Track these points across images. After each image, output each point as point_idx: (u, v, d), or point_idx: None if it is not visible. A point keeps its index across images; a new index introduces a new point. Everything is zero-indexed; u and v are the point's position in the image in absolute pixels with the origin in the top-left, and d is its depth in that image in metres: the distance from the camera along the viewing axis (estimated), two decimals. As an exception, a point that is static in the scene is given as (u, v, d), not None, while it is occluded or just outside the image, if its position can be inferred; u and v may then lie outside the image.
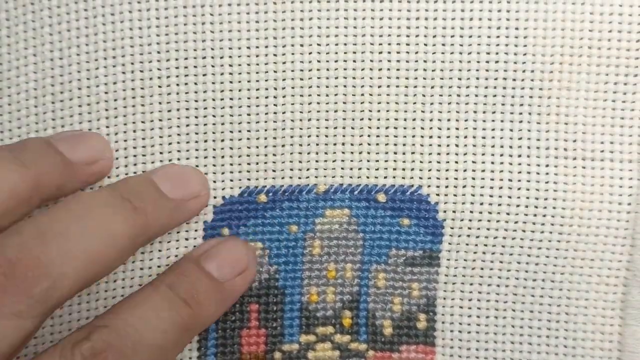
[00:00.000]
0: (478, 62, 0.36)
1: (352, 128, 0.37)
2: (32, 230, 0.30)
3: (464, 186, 0.37)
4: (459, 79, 0.36)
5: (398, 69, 0.36)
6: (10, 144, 0.33)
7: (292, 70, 0.36)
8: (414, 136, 0.37)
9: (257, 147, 0.37)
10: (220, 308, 0.36)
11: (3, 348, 0.28)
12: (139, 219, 0.32)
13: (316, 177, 0.37)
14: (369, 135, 0.37)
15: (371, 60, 0.36)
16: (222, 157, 0.37)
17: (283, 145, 0.37)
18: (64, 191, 0.33)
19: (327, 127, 0.37)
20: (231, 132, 0.37)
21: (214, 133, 0.37)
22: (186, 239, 0.38)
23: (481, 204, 0.37)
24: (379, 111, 0.37)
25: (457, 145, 0.37)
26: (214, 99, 0.36)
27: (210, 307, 0.34)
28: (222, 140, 0.37)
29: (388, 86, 0.37)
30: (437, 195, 0.37)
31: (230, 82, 0.36)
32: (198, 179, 0.36)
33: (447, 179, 0.37)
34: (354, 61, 0.36)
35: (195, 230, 0.38)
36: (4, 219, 0.30)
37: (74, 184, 0.34)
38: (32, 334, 0.29)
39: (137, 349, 0.31)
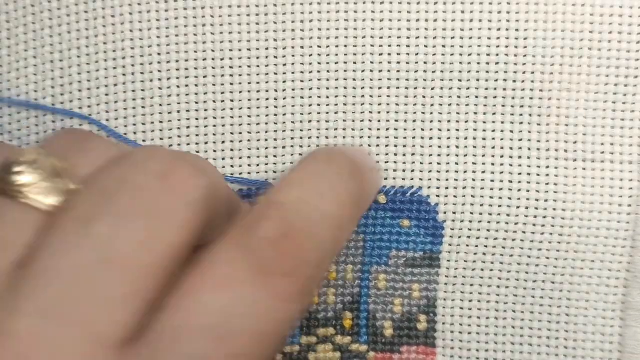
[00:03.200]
0: (478, 63, 0.36)
1: (352, 129, 0.37)
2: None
3: (465, 187, 0.37)
4: (459, 80, 0.36)
5: (398, 70, 0.36)
6: None
7: (292, 72, 0.36)
8: (414, 137, 0.37)
9: (258, 149, 0.37)
10: (373, 193, 0.34)
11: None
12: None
13: (316, 178, 0.37)
14: (369, 137, 0.37)
15: (371, 62, 0.36)
16: (223, 159, 0.37)
17: (284, 147, 0.37)
18: None
19: (327, 129, 0.37)
20: (232, 134, 0.37)
21: (214, 135, 0.37)
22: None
23: (481, 205, 0.37)
24: (379, 112, 0.37)
25: (457, 147, 0.37)
26: (214, 101, 0.36)
27: (370, 185, 0.33)
28: (223, 142, 0.37)
29: (388, 87, 0.37)
30: (438, 196, 0.37)
31: (231, 84, 0.36)
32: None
33: (447, 180, 0.37)
34: (354, 63, 0.36)
35: (195, 234, 0.38)
36: None
37: None
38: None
39: (319, 226, 0.27)
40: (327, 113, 0.37)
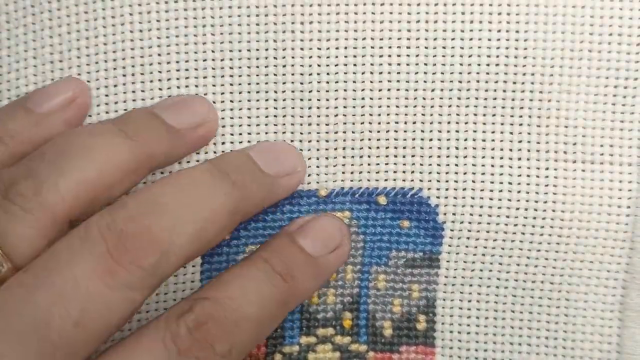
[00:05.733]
0: (478, 65, 0.36)
1: (353, 132, 0.37)
2: (140, 203, 0.30)
3: (464, 189, 0.37)
4: (460, 81, 0.36)
5: (398, 72, 0.36)
6: (114, 118, 0.34)
7: (292, 74, 0.36)
8: (414, 139, 0.37)
9: (258, 149, 0.37)
10: (316, 283, 0.35)
11: (112, 320, 0.28)
12: (236, 193, 0.32)
13: (317, 182, 0.37)
14: (369, 139, 0.37)
15: (371, 64, 0.36)
16: (222, 159, 0.37)
17: (283, 148, 0.37)
18: (172, 159, 0.34)
19: (327, 131, 0.37)
20: (232, 134, 0.37)
21: (214, 136, 0.37)
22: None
23: (481, 206, 0.37)
24: (379, 114, 0.37)
25: (457, 148, 0.37)
26: (214, 102, 0.36)
27: (305, 282, 0.34)
28: (223, 143, 0.37)
29: (389, 89, 0.37)
30: (438, 197, 0.37)
31: (231, 84, 0.36)
32: (294, 155, 0.37)
33: (447, 181, 0.37)
34: (355, 65, 0.36)
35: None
36: (111, 192, 0.31)
37: (181, 150, 0.34)
38: (139, 306, 0.30)
39: (237, 321, 0.31)
40: (327, 116, 0.37)
